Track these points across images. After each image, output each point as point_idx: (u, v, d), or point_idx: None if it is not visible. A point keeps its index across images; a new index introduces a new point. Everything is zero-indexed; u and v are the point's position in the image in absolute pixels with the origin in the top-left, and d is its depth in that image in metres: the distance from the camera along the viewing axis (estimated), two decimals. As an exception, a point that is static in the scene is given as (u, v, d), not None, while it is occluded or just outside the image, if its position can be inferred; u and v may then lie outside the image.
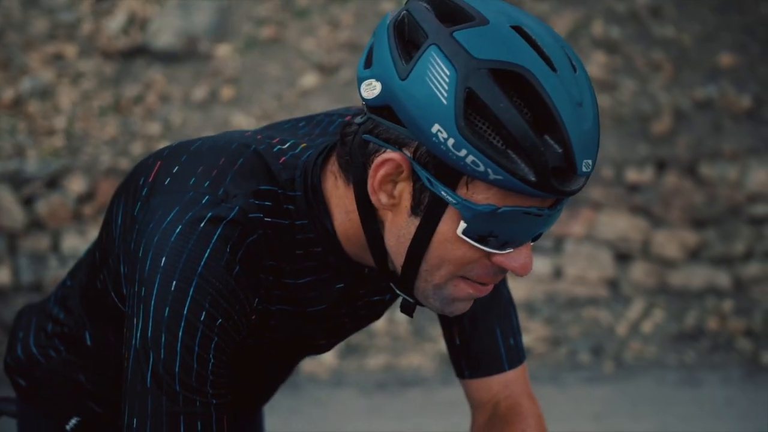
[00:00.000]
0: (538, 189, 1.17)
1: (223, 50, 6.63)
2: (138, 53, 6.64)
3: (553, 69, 1.17)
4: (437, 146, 1.16)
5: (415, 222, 1.22)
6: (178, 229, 1.24)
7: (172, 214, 1.25)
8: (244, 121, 6.19)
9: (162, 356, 1.23)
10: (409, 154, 1.20)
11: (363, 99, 1.23)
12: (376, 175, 1.22)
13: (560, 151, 1.16)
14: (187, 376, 1.24)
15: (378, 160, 1.21)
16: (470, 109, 1.15)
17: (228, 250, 1.25)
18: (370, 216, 1.27)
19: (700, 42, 6.81)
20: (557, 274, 6.13)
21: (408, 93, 1.17)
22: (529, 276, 6.05)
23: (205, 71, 6.52)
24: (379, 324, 5.92)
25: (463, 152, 1.15)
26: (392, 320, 5.97)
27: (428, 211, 1.21)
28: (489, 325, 1.51)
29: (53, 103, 6.43)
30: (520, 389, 1.53)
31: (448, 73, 1.15)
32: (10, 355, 1.56)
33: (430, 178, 1.19)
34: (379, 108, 1.21)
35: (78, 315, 1.49)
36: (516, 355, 1.53)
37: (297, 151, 1.34)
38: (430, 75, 1.15)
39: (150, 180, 1.31)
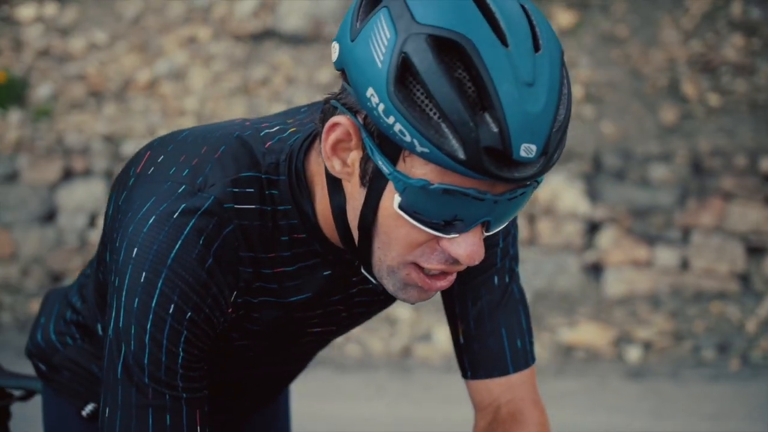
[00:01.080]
0: (469, 169, 1.09)
1: (350, 33, 6.65)
2: (267, 36, 6.73)
3: (504, 43, 1.09)
4: (371, 112, 1.11)
5: (364, 194, 1.17)
6: (151, 220, 1.22)
7: (147, 205, 1.23)
8: (367, 104, 6.21)
9: (132, 348, 1.22)
10: (360, 121, 1.15)
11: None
12: (327, 140, 1.18)
13: (495, 130, 1.08)
14: (156, 369, 1.22)
15: (328, 123, 1.17)
16: (406, 75, 1.09)
17: (201, 242, 1.22)
18: (334, 188, 1.23)
19: None
20: (684, 266, 5.90)
21: (353, 55, 1.13)
22: (654, 267, 5.86)
23: (330, 54, 6.56)
24: (496, 311, 5.84)
25: (391, 119, 1.09)
26: (510, 308, 5.88)
27: (372, 183, 1.16)
28: (494, 326, 1.44)
29: (185, 84, 6.59)
30: (524, 394, 1.45)
31: (388, 36, 1.10)
32: (32, 340, 1.59)
33: (373, 146, 1.14)
34: (340, 71, 1.17)
35: (91, 305, 1.50)
36: (522, 358, 1.45)
37: (285, 134, 1.31)
38: (373, 37, 1.11)
39: (138, 170, 1.29)
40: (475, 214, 1.15)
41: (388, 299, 1.45)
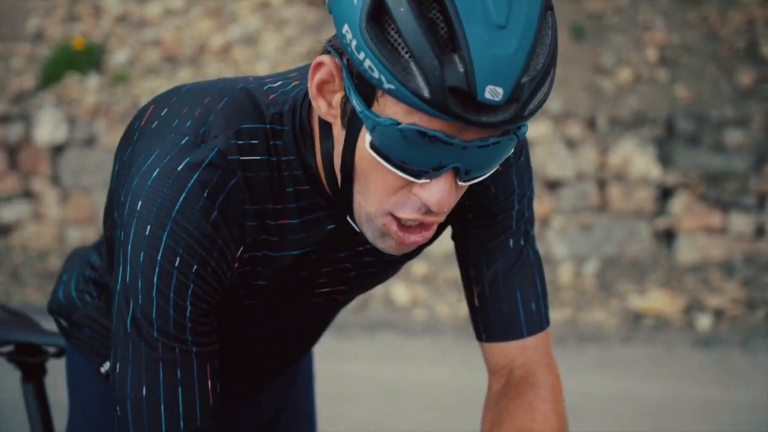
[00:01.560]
0: (433, 108, 1.08)
1: None
2: None
3: None
4: (346, 48, 1.11)
5: (344, 135, 1.18)
6: (155, 173, 1.22)
7: (152, 158, 1.23)
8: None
9: (140, 302, 1.22)
10: (344, 62, 1.15)
11: None
12: (312, 80, 1.18)
13: (461, 71, 1.07)
14: (165, 322, 1.23)
15: (313, 63, 1.18)
16: (380, 12, 1.09)
17: (206, 194, 1.22)
18: (324, 133, 1.23)
19: None
20: (759, 232, 5.76)
21: None
22: (728, 234, 5.73)
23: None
24: (565, 276, 5.80)
25: (362, 55, 1.09)
26: (579, 273, 5.83)
27: (350, 123, 1.16)
28: (509, 288, 1.43)
29: (257, 49, 6.64)
30: (538, 357, 1.44)
31: None
32: (54, 297, 1.62)
33: (350, 86, 1.14)
34: (330, 12, 1.17)
35: (107, 261, 1.52)
36: (537, 321, 1.44)
37: (288, 87, 1.30)
38: None
39: (142, 124, 1.29)
40: (443, 159, 1.14)
41: (396, 259, 1.44)
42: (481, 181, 1.39)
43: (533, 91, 1.12)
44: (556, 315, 5.52)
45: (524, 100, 1.11)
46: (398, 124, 1.12)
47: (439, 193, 1.17)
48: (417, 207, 1.19)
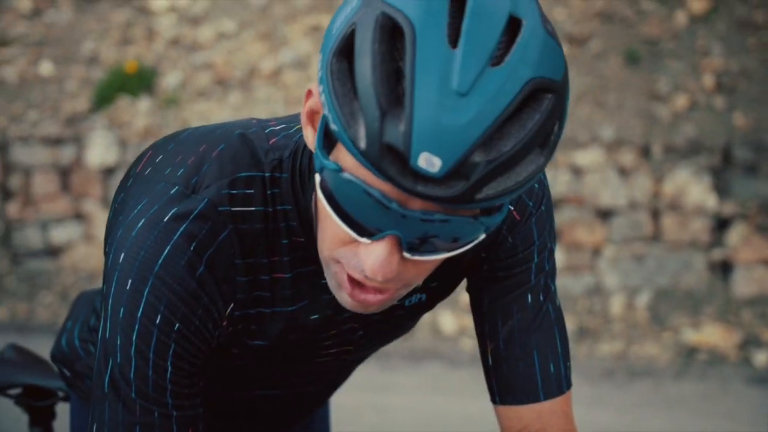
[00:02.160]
0: (368, 161, 0.99)
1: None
2: (391, 24, 6.69)
3: (452, 43, 0.98)
4: (320, 80, 1.04)
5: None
6: (140, 223, 1.15)
7: (138, 207, 1.17)
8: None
9: (119, 360, 1.16)
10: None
11: None
12: (304, 107, 1.11)
13: (401, 129, 0.97)
14: (143, 384, 1.16)
15: (307, 90, 1.11)
16: (350, 49, 1.01)
17: (192, 248, 1.14)
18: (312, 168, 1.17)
19: None
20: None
21: (332, 22, 1.06)
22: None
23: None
24: (616, 308, 5.65)
25: (321, 88, 1.03)
26: (631, 305, 5.68)
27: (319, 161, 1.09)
28: (525, 348, 1.33)
29: (308, 73, 6.61)
30: (556, 423, 1.34)
31: (353, 6, 1.03)
32: (57, 344, 1.57)
33: (323, 120, 1.07)
34: None
35: None
36: (555, 384, 1.34)
37: (291, 131, 1.23)
38: (346, 6, 1.04)
39: (138, 170, 1.23)
40: (380, 223, 1.04)
41: (408, 315, 1.37)
42: (498, 230, 1.30)
43: (492, 175, 0.99)
44: (605, 348, 5.38)
45: (475, 180, 0.99)
46: (341, 171, 1.03)
47: (374, 258, 1.06)
48: (359, 267, 1.09)
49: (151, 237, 1.14)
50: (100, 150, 6.54)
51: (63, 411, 1.77)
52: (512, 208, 1.30)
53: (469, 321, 5.59)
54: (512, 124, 1.00)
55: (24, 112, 6.77)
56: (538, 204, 1.32)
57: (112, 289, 1.15)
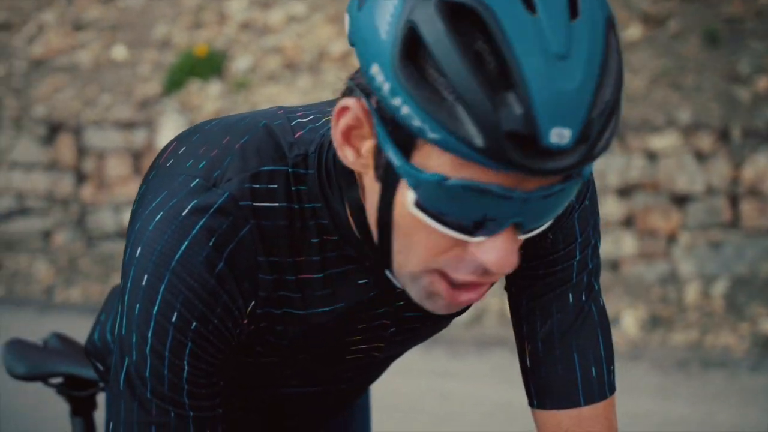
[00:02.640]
0: (489, 158, 0.92)
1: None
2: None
3: (531, 9, 0.92)
4: (378, 92, 0.95)
5: (378, 190, 1.02)
6: (158, 216, 1.10)
7: (158, 200, 1.12)
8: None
9: (134, 358, 1.11)
10: (373, 105, 0.99)
11: None
12: (337, 126, 1.03)
13: (520, 112, 0.91)
14: (159, 383, 1.11)
15: (337, 107, 1.02)
16: (415, 49, 0.93)
17: (211, 243, 1.09)
18: (346, 180, 1.09)
19: None
20: None
21: (358, 25, 0.97)
22: None
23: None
24: (691, 296, 5.50)
25: (398, 101, 0.93)
26: (706, 294, 5.53)
27: (385, 177, 1.00)
28: (566, 351, 1.26)
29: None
30: (596, 428, 1.27)
31: (395, 2, 0.94)
32: (89, 339, 1.54)
33: (384, 135, 0.98)
34: (353, 46, 1.01)
35: None
36: (597, 389, 1.27)
37: (318, 123, 1.16)
38: (379, 4, 0.95)
39: (160, 161, 1.18)
40: (502, 214, 0.98)
41: (445, 317, 1.30)
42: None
43: (603, 128, 0.95)
44: (679, 337, 5.24)
45: (593, 138, 0.94)
46: (446, 179, 0.96)
47: (498, 252, 1.00)
48: (473, 268, 1.03)
49: (168, 231, 1.09)
50: (172, 133, 6.59)
51: (104, 401, 1.76)
52: None
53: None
54: (606, 73, 0.96)
55: (97, 96, 6.85)
56: (581, 198, 1.25)
57: (129, 284, 1.11)
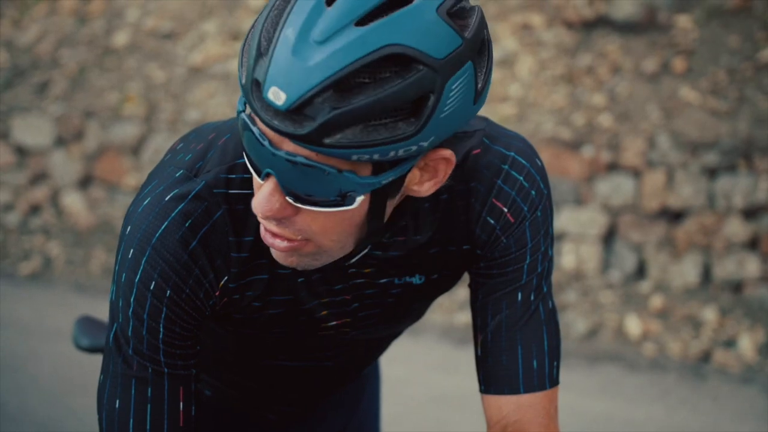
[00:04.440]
0: (244, 95, 1.14)
1: (683, 21, 6.38)
2: (600, 23, 6.63)
3: (327, 2, 1.11)
4: None
5: None
6: (146, 201, 1.30)
7: (149, 187, 1.33)
8: (690, 95, 5.93)
9: (120, 320, 1.31)
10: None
11: None
12: None
13: (265, 66, 1.11)
14: (139, 342, 1.30)
15: None
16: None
17: (187, 225, 1.29)
18: None
19: None
20: None
21: None
22: None
23: (661, 42, 6.33)
24: (814, 323, 5.38)
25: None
26: (831, 321, 5.38)
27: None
28: (511, 341, 1.41)
29: (512, 70, 6.69)
30: (533, 417, 1.40)
31: None
32: None
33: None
34: None
35: None
36: (536, 380, 1.41)
37: None
38: None
39: (164, 156, 1.40)
40: (261, 161, 1.17)
41: (404, 295, 1.45)
42: (492, 231, 1.39)
43: (341, 122, 1.09)
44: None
45: (322, 122, 1.09)
46: (242, 112, 1.18)
47: (258, 196, 1.20)
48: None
49: (152, 213, 1.30)
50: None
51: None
52: (506, 211, 1.38)
53: (655, 326, 5.51)
54: (370, 84, 1.09)
55: (247, 103, 7.21)
56: (533, 209, 1.39)
57: (119, 256, 1.32)
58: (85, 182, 7.09)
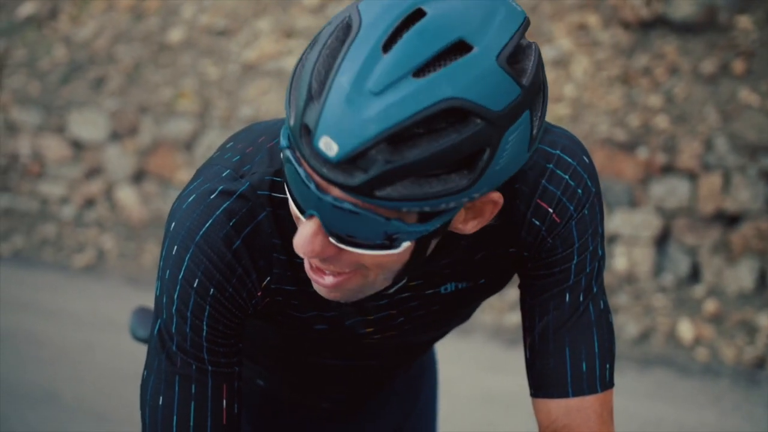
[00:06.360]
0: (292, 136, 1.10)
1: (743, 21, 6.27)
2: (657, 24, 6.55)
3: (384, 49, 1.06)
4: None
5: None
6: (191, 198, 1.30)
7: (194, 184, 1.32)
8: (750, 97, 5.83)
9: (164, 316, 1.31)
10: None
11: None
12: None
13: (316, 113, 1.06)
14: (182, 339, 1.30)
15: None
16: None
17: (231, 224, 1.28)
18: None
19: None
20: None
21: None
22: None
23: (720, 43, 6.23)
24: None
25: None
26: None
27: None
28: (558, 345, 1.38)
29: (567, 71, 6.63)
30: (583, 420, 1.37)
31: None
32: None
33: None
34: None
35: None
36: (585, 383, 1.37)
37: None
38: None
39: (214, 153, 1.39)
40: (305, 201, 1.13)
41: (451, 302, 1.43)
42: (538, 233, 1.36)
43: (394, 176, 1.06)
44: None
45: (375, 175, 1.05)
46: (286, 148, 1.14)
47: (300, 234, 1.16)
48: None
49: (197, 210, 1.29)
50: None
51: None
52: (552, 211, 1.35)
53: (708, 331, 5.42)
54: (425, 136, 1.06)
55: (300, 100, 7.24)
56: (580, 208, 1.36)
57: (163, 252, 1.32)
58: (138, 177, 7.16)
